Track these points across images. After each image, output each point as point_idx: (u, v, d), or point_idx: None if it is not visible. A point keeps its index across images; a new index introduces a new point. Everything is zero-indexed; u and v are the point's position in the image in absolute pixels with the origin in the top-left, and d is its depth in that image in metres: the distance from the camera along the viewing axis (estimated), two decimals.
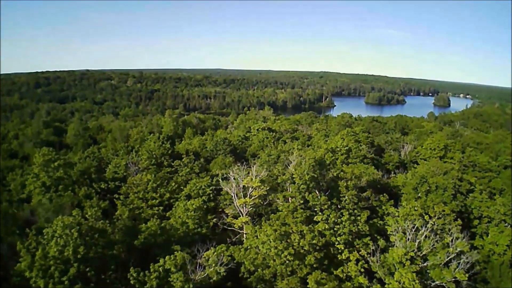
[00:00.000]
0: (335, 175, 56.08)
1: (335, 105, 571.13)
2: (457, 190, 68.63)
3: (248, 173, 60.05)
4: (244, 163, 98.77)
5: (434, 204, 57.77)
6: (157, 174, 75.49)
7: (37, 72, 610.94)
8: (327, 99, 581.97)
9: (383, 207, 58.01)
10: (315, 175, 52.45)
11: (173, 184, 71.09)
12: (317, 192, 54.09)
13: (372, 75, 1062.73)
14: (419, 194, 62.13)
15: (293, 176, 53.25)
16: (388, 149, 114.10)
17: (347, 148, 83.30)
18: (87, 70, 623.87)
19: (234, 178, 57.98)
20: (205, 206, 61.98)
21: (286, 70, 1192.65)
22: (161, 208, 68.12)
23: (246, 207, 56.67)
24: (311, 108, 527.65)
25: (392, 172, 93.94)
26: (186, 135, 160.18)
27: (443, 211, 55.07)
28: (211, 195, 66.86)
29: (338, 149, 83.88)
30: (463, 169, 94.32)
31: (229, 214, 58.90)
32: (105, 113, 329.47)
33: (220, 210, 65.57)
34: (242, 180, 56.63)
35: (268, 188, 56.62)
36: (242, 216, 57.06)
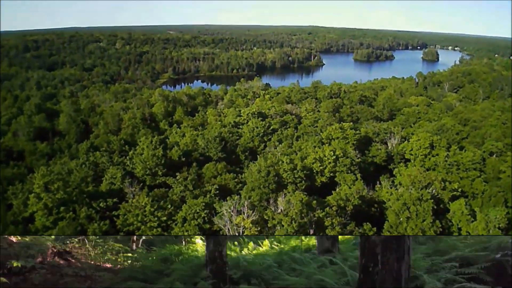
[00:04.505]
0: (321, 216, 60.16)
1: (324, 64, 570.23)
2: (437, 206, 73.56)
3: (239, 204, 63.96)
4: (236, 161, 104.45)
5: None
6: (153, 192, 79.60)
7: (24, 33, 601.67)
8: (316, 57, 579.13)
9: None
10: (303, 219, 56.62)
11: (169, 206, 75.25)
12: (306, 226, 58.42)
13: (361, 29, 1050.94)
14: (401, 219, 66.88)
15: (282, 221, 57.39)
16: (375, 141, 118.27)
17: (334, 157, 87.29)
18: (76, 32, 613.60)
19: (228, 219, 61.66)
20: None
21: (274, 25, 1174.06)
22: (159, 229, 72.96)
23: None
24: (299, 68, 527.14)
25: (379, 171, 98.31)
26: (176, 114, 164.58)
27: None
28: (206, 218, 71.03)
29: (326, 158, 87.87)
30: (448, 168, 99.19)
31: None
32: (95, 82, 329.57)
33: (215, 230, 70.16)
34: (235, 218, 60.46)
35: (259, 229, 60.71)
36: None
